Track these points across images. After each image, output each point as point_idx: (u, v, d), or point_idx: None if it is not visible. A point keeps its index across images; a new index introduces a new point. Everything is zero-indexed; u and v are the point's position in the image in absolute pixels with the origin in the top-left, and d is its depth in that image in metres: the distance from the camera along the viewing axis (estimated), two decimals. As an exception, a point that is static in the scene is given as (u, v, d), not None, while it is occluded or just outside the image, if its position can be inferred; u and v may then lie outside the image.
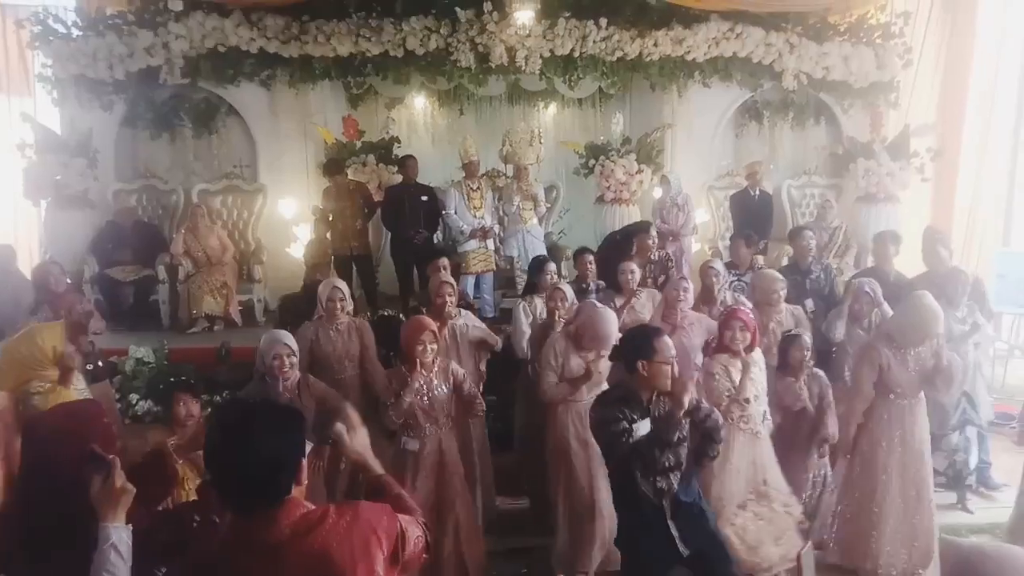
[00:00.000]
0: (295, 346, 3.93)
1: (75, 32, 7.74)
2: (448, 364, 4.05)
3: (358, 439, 2.21)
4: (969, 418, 5.09)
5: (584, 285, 5.50)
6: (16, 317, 5.66)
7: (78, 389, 3.64)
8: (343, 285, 4.73)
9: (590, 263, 5.60)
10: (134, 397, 5.91)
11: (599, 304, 4.29)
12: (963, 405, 5.04)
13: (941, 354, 4.06)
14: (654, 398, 3.15)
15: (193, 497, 2.74)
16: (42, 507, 2.19)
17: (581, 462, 4.10)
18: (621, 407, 3.10)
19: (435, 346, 3.90)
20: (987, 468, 5.44)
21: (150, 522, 2.29)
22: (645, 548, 3.15)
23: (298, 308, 5.68)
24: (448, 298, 4.64)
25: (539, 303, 5.09)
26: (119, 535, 1.99)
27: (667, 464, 3.03)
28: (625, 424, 3.04)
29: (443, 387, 3.95)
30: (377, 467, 2.20)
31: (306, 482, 1.86)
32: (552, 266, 5.29)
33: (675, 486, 3.09)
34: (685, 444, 3.07)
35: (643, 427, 3.06)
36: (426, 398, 3.89)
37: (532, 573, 4.41)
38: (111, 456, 2.06)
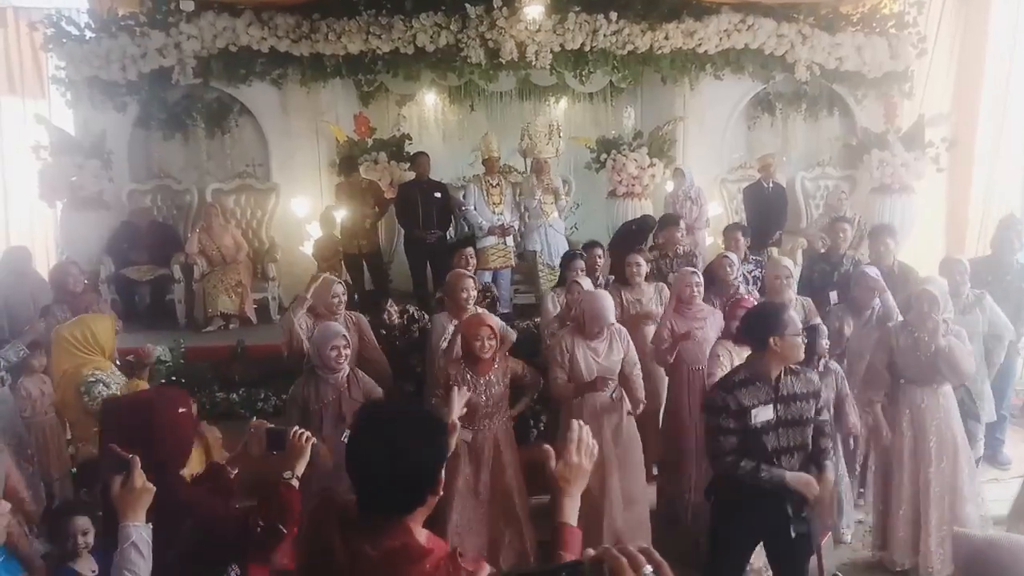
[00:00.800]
0: (350, 338, 4.00)
1: (88, 34, 7.78)
2: (507, 361, 4.08)
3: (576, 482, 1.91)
4: (968, 410, 4.89)
5: (594, 278, 5.51)
6: (34, 317, 5.73)
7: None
8: (341, 283, 4.78)
9: (599, 257, 5.60)
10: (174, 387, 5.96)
11: (592, 289, 4.35)
12: (960, 396, 4.94)
13: (937, 334, 4.03)
14: (783, 376, 3.18)
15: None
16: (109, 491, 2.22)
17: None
18: (739, 394, 3.14)
19: (494, 342, 3.91)
20: (1000, 445, 5.43)
21: (215, 521, 2.30)
22: (743, 524, 3.21)
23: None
24: (470, 292, 4.64)
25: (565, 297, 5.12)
26: (139, 534, 2.00)
27: (791, 444, 3.14)
28: (729, 424, 3.12)
29: (500, 384, 3.98)
30: (571, 512, 1.85)
31: (440, 493, 1.81)
32: (580, 263, 5.27)
33: (796, 467, 3.16)
34: (811, 425, 3.19)
35: (763, 413, 3.11)
36: (484, 394, 3.92)
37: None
38: (131, 455, 2.06)
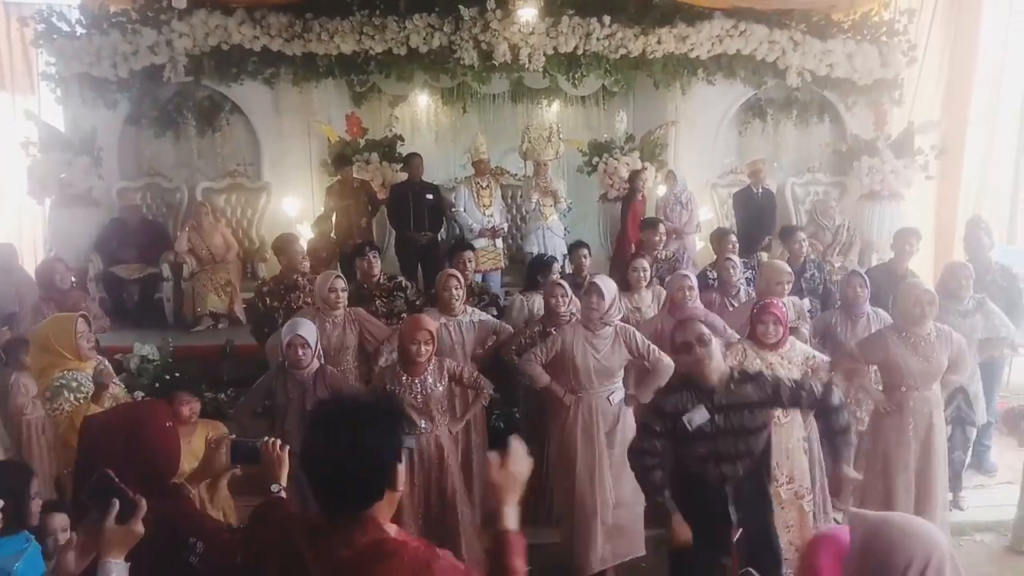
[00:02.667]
0: (310, 337, 3.93)
1: (79, 30, 7.75)
2: (443, 362, 4.01)
3: (515, 479, 1.96)
4: (964, 416, 5.00)
5: (579, 279, 5.53)
6: (21, 315, 5.70)
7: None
8: (341, 278, 4.74)
9: (585, 257, 5.63)
10: (139, 395, 5.90)
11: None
12: (957, 401, 4.97)
13: (954, 341, 4.07)
14: (729, 382, 3.15)
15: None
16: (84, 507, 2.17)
17: (586, 457, 4.08)
18: (670, 399, 3.17)
19: (430, 347, 3.85)
20: (986, 452, 5.46)
21: (206, 536, 2.18)
22: (700, 526, 3.17)
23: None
24: (455, 291, 4.62)
25: (538, 300, 5.13)
26: (120, 571, 1.91)
27: (732, 452, 3.11)
28: (655, 428, 3.17)
29: (437, 385, 3.92)
30: (512, 519, 1.90)
31: (401, 488, 1.79)
32: (555, 266, 5.29)
33: (741, 472, 3.14)
34: (760, 433, 3.14)
35: (698, 415, 3.09)
36: (419, 396, 3.86)
37: (536, 570, 4.40)
38: (137, 496, 1.94)
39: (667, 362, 4.01)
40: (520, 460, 1.93)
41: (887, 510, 4.03)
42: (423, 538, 2.24)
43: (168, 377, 4.26)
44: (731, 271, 5.30)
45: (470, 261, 5.39)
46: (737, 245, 5.98)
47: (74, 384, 3.50)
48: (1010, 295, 5.45)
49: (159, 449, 2.26)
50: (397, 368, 3.91)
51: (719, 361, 3.17)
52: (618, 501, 4.14)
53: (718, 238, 6.03)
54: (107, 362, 3.94)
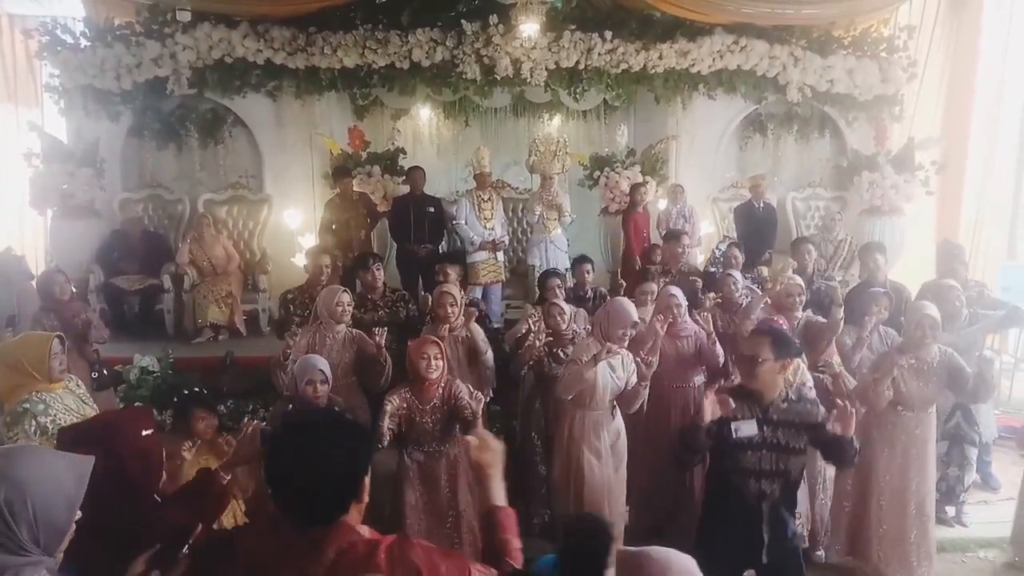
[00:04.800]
0: (328, 372, 3.86)
1: (83, 42, 7.79)
2: (453, 383, 3.96)
3: (493, 455, 2.07)
4: (964, 434, 4.97)
5: (582, 293, 5.53)
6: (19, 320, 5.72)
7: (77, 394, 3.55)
8: (347, 292, 4.70)
9: (588, 272, 5.62)
10: (138, 406, 5.90)
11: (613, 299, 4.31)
12: (957, 419, 4.96)
13: (955, 361, 4.05)
14: (778, 399, 3.15)
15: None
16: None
17: (596, 475, 4.03)
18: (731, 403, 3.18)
19: (440, 362, 3.83)
20: (987, 466, 5.44)
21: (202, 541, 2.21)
22: (723, 547, 3.14)
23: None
24: (450, 308, 4.61)
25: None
26: None
27: (771, 468, 3.12)
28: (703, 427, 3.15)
29: (446, 407, 3.87)
30: (499, 493, 2.02)
31: (366, 500, 1.79)
32: (556, 281, 5.27)
33: (777, 492, 3.13)
34: (799, 455, 3.14)
35: (746, 428, 3.10)
36: (429, 420, 3.84)
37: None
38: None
39: (639, 392, 4.06)
40: (493, 440, 2.07)
41: (862, 520, 4.10)
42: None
43: (187, 392, 4.17)
44: (732, 287, 5.21)
45: (450, 271, 5.38)
46: (739, 258, 5.97)
47: (40, 407, 3.24)
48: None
49: (136, 458, 2.25)
50: (406, 390, 3.85)
51: (778, 381, 3.17)
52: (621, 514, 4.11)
53: (868, 252, 5.77)
54: (82, 383, 3.72)
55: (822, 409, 3.24)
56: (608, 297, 5.38)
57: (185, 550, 1.85)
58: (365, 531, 1.76)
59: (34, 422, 3.19)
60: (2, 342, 3.71)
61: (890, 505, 4.17)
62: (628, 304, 4.12)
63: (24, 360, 3.32)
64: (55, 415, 3.26)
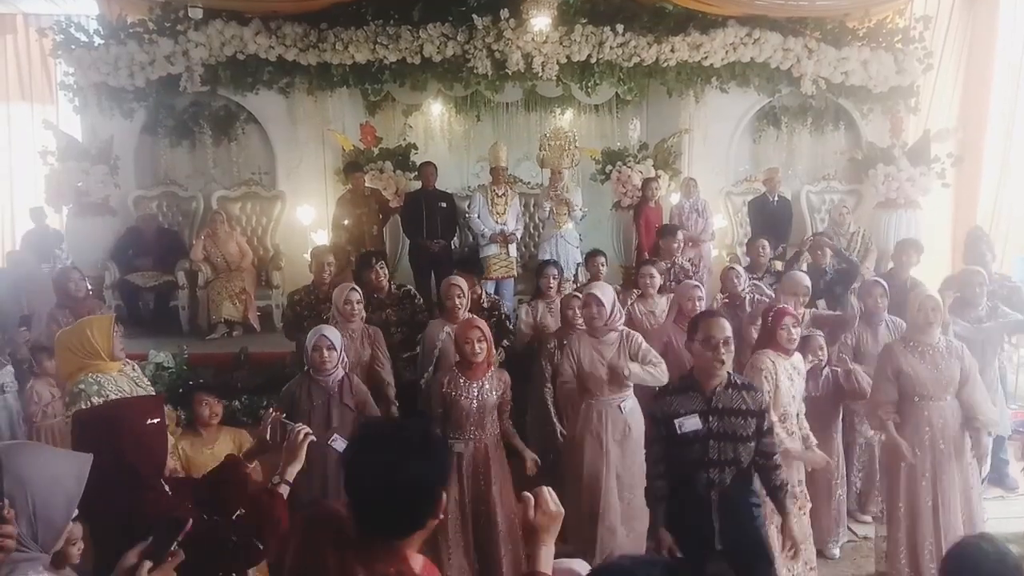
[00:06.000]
0: (336, 341, 3.91)
1: (97, 41, 7.85)
2: (504, 375, 4.01)
3: (551, 519, 1.86)
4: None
5: None
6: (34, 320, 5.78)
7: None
8: (357, 291, 4.72)
9: (602, 265, 5.61)
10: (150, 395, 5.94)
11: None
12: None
13: (962, 353, 3.96)
14: (721, 387, 3.13)
15: None
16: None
17: (594, 465, 4.04)
18: (665, 401, 3.17)
19: (484, 344, 3.86)
20: (1005, 466, 5.38)
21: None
22: (683, 532, 3.16)
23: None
24: (457, 300, 4.63)
25: (541, 307, 5.17)
26: None
27: (721, 458, 3.09)
28: (659, 431, 3.18)
29: (494, 393, 3.91)
30: (546, 563, 1.80)
31: (441, 517, 1.75)
32: (552, 270, 5.28)
33: (727, 481, 3.11)
34: (747, 442, 3.11)
35: (689, 423, 3.09)
36: (475, 403, 3.85)
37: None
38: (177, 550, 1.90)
39: (662, 369, 4.02)
40: (554, 503, 1.84)
41: (913, 526, 3.99)
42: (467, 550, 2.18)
43: (191, 382, 4.22)
44: (735, 281, 5.14)
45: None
46: (767, 250, 5.98)
47: (94, 387, 3.44)
48: (1013, 306, 5.36)
49: (141, 445, 2.28)
50: (455, 371, 3.91)
51: (728, 365, 3.15)
52: (628, 513, 4.07)
53: (903, 248, 5.69)
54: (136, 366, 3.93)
55: (766, 397, 3.27)
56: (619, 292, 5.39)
57: (175, 546, 1.86)
58: (419, 563, 1.72)
59: (88, 402, 3.35)
60: (61, 330, 3.88)
61: (923, 505, 3.97)
62: (603, 286, 4.21)
63: (90, 338, 3.53)
64: (108, 396, 3.43)
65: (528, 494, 1.83)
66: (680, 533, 3.17)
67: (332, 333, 3.93)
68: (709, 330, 3.11)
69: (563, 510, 1.83)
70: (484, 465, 3.92)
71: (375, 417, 3.96)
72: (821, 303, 5.43)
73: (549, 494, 1.81)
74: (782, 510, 3.26)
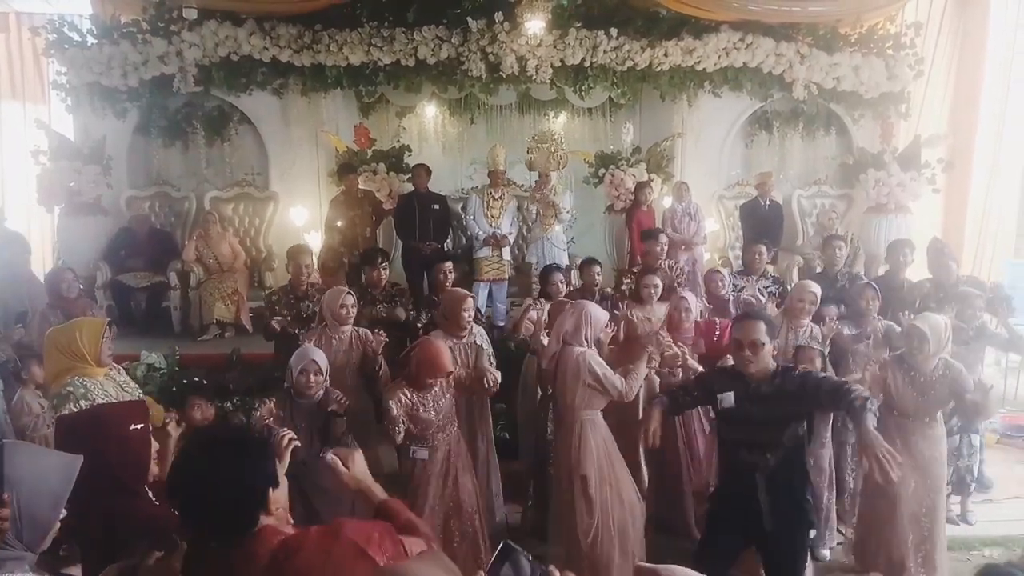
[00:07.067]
0: (323, 363, 3.87)
1: (90, 40, 7.82)
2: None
3: (356, 467, 2.15)
4: (967, 425, 4.93)
5: (590, 296, 5.51)
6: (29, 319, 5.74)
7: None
8: (351, 294, 4.70)
9: (597, 274, 5.60)
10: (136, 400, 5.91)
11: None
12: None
13: (961, 381, 3.96)
14: (760, 379, 3.20)
15: None
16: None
17: (602, 474, 3.98)
18: (719, 374, 3.39)
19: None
20: (980, 465, 5.41)
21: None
22: (733, 514, 3.27)
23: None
24: (466, 315, 4.48)
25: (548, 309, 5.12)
26: None
27: (753, 440, 3.18)
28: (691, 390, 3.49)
29: (445, 396, 3.91)
30: (378, 492, 2.13)
31: (280, 510, 1.83)
32: (559, 276, 5.27)
33: (771, 463, 3.15)
34: (789, 426, 3.14)
35: (727, 399, 3.22)
36: (433, 411, 3.85)
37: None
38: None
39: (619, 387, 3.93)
40: (353, 451, 2.20)
41: (893, 541, 4.05)
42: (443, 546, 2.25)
43: (185, 382, 4.20)
44: (718, 284, 5.18)
45: (450, 272, 5.39)
46: (764, 255, 5.96)
47: (81, 391, 3.40)
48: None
49: (125, 451, 2.29)
50: (404, 384, 3.86)
51: (767, 362, 3.20)
52: (619, 517, 4.07)
53: (936, 251, 5.65)
54: (124, 371, 3.88)
55: (801, 369, 3.42)
56: (613, 298, 5.41)
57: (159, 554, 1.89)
58: (290, 528, 1.80)
59: (75, 406, 3.32)
60: (52, 328, 3.81)
61: (899, 512, 4.06)
62: (586, 305, 4.10)
63: (77, 340, 3.48)
64: (95, 400, 3.40)
65: (331, 456, 2.14)
66: (730, 515, 3.30)
67: (320, 358, 3.87)
68: (737, 332, 3.25)
69: (361, 463, 2.16)
70: (455, 464, 3.96)
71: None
72: (832, 309, 5.33)
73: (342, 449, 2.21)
74: (858, 423, 3.04)
